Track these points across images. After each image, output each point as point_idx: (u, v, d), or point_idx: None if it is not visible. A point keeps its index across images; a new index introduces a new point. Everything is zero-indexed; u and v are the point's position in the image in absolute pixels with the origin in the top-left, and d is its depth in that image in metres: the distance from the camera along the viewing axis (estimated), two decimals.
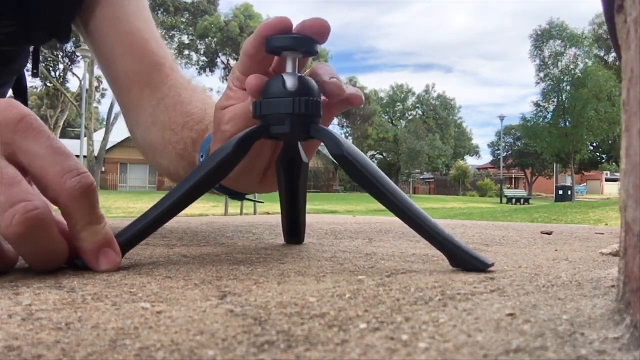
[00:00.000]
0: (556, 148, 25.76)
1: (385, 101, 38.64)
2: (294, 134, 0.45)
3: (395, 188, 0.42)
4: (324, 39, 0.46)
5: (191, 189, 0.42)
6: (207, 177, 0.43)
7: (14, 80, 0.87)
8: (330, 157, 0.47)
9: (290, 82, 0.44)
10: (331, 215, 1.28)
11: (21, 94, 0.91)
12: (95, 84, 24.61)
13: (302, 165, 0.51)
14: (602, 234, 0.75)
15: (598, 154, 30.93)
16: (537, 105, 27.62)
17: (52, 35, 0.81)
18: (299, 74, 0.45)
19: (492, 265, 0.40)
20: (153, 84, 0.74)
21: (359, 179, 0.43)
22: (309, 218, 0.88)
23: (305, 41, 0.44)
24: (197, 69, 31.31)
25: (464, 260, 0.40)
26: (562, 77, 26.65)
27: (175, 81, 0.74)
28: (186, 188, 0.42)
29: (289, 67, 0.45)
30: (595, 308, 0.29)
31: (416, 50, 77.15)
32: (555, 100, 26.83)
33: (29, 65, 0.88)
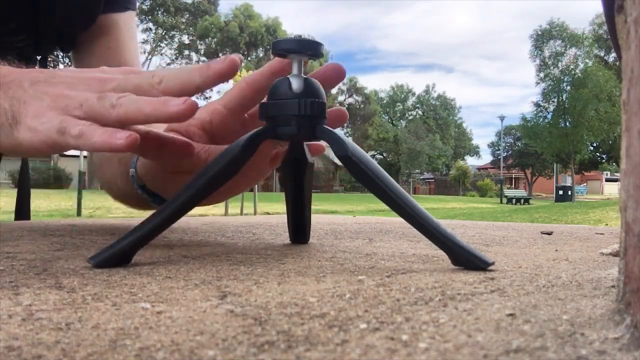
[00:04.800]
0: (556, 148, 25.78)
1: (385, 101, 38.65)
2: (300, 134, 0.45)
3: (399, 188, 0.43)
4: (339, 81, 0.52)
5: (199, 189, 0.43)
6: (214, 178, 0.43)
7: None
8: (332, 157, 0.48)
9: (296, 84, 0.45)
10: (331, 215, 1.28)
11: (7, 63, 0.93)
12: None
13: (307, 165, 0.51)
14: (602, 234, 0.75)
15: (598, 154, 30.94)
16: (537, 105, 27.65)
17: (57, 45, 0.84)
18: (305, 76, 0.46)
19: (493, 263, 0.41)
20: None
21: (363, 180, 0.43)
22: None
23: (310, 44, 0.45)
24: None
25: (465, 259, 0.41)
26: (562, 77, 26.67)
27: None
28: (194, 189, 0.43)
29: (295, 69, 0.46)
30: (595, 308, 0.29)
31: (417, 50, 77.15)
32: (555, 100, 26.85)
33: None
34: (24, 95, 0.46)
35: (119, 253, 0.41)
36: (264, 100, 0.47)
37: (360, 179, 0.43)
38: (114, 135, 0.41)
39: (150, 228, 0.42)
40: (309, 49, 0.45)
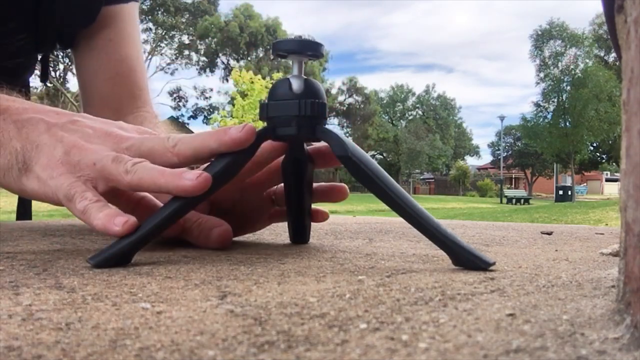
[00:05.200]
0: (556, 148, 25.77)
1: (385, 101, 38.63)
2: (300, 135, 0.45)
3: (399, 188, 0.43)
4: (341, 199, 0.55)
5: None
6: (215, 178, 0.43)
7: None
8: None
9: (296, 85, 0.45)
10: (331, 215, 1.28)
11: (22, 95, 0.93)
12: None
13: (308, 165, 0.52)
14: (602, 234, 0.75)
15: (598, 154, 30.93)
16: (537, 105, 27.63)
17: (58, 43, 0.83)
18: (305, 77, 0.46)
19: (494, 264, 0.41)
20: (122, 110, 0.77)
21: (363, 180, 0.43)
22: None
23: (310, 44, 0.45)
24: (197, 69, 31.34)
25: (465, 259, 0.41)
26: (562, 77, 26.65)
27: (143, 113, 0.79)
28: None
29: (295, 70, 0.46)
30: (595, 308, 0.29)
31: (417, 50, 77.11)
32: (555, 100, 26.83)
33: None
34: (38, 138, 0.46)
35: (118, 253, 0.41)
36: (264, 100, 0.47)
37: (360, 179, 0.43)
38: (111, 221, 0.42)
39: (150, 228, 0.42)
40: (309, 49, 0.46)
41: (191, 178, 0.41)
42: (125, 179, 0.43)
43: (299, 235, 0.57)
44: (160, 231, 0.43)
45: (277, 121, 0.45)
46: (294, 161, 0.51)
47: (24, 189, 0.47)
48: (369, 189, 0.43)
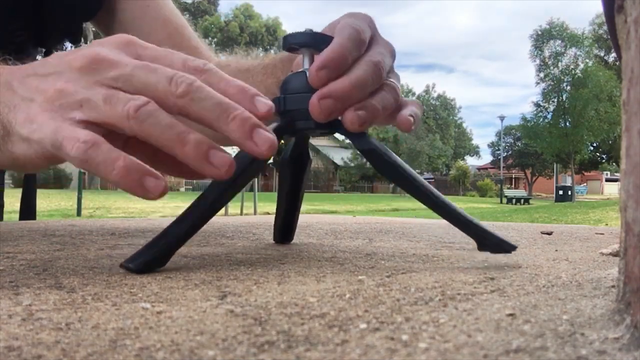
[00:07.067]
0: (556, 148, 25.78)
1: None
2: (317, 128, 0.45)
3: (421, 179, 0.44)
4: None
5: (226, 187, 0.41)
6: (240, 175, 0.41)
7: None
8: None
9: None
10: (331, 215, 1.28)
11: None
12: None
13: (309, 162, 0.51)
14: (602, 234, 0.75)
15: (598, 154, 30.93)
16: (537, 105, 27.64)
17: (65, 36, 0.82)
18: None
19: (517, 248, 0.43)
20: None
21: (388, 172, 0.44)
22: (309, 218, 0.87)
23: (322, 37, 0.45)
24: None
25: (491, 243, 0.43)
26: (562, 77, 26.66)
27: (218, 62, 0.75)
28: (222, 187, 0.41)
29: (306, 63, 0.45)
30: (595, 308, 0.29)
31: (418, 50, 77.15)
32: (555, 100, 26.84)
33: None
34: (14, 98, 0.38)
35: (157, 256, 0.39)
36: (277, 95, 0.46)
37: (385, 171, 0.44)
38: (138, 180, 0.33)
39: (181, 232, 0.40)
40: (322, 42, 0.45)
41: (219, 164, 0.34)
42: (132, 126, 0.34)
43: (284, 235, 0.56)
44: (196, 230, 0.41)
45: (295, 115, 0.44)
46: (299, 156, 0.51)
47: (15, 157, 0.38)
48: (395, 182, 0.44)
